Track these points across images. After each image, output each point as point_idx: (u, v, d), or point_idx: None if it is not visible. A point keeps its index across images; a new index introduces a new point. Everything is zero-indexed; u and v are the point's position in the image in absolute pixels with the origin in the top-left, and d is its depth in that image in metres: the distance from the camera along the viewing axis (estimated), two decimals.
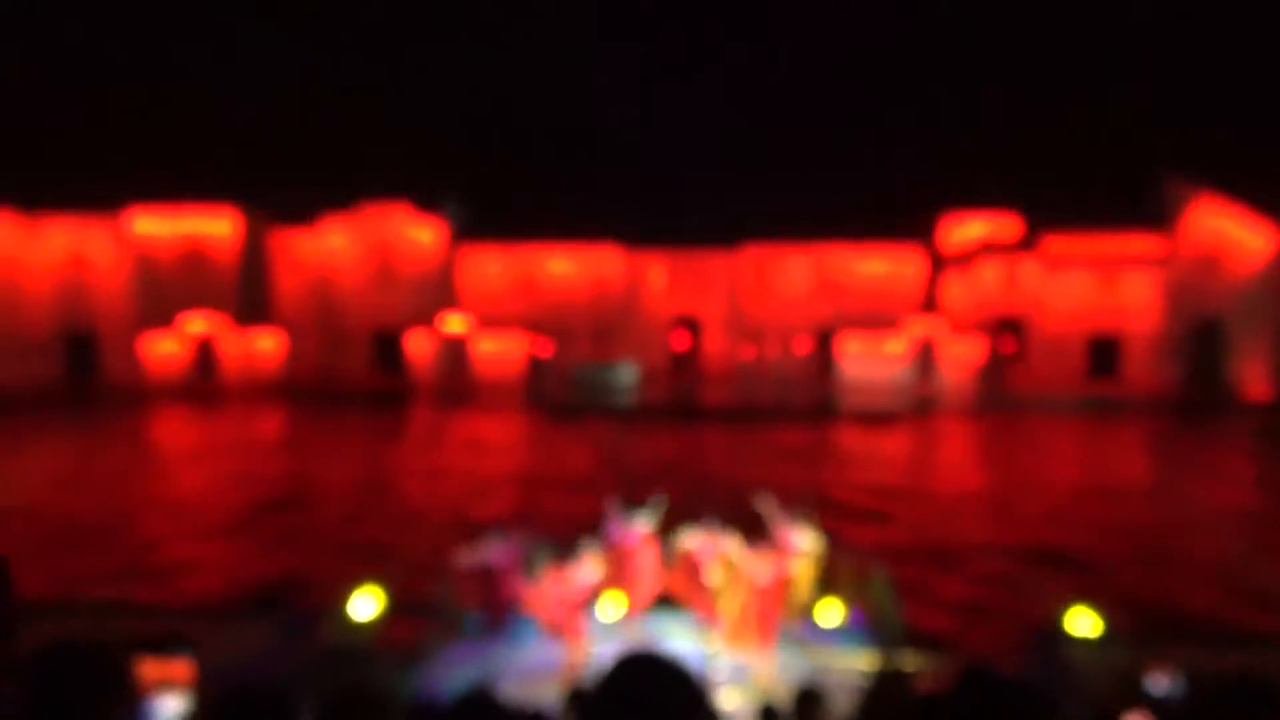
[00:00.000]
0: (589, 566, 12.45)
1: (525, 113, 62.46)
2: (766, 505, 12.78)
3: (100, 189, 44.26)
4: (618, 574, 12.83)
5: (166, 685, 4.04)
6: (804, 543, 12.05)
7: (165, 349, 43.64)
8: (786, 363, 42.01)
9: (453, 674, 11.31)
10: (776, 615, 11.60)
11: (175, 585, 17.81)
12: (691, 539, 13.25)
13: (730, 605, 11.72)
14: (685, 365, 43.00)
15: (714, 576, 12.51)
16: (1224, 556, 19.90)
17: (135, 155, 46.00)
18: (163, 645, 4.14)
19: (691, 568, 13.02)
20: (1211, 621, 16.09)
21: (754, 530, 13.07)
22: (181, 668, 4.09)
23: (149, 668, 4.09)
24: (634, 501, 17.10)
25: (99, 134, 49.08)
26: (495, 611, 12.81)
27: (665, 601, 14.03)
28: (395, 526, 21.82)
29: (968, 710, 1.68)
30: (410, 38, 68.11)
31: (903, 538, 20.99)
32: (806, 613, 12.45)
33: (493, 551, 12.87)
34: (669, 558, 13.69)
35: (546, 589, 12.00)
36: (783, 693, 10.69)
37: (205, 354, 43.94)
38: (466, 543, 13.41)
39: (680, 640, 12.91)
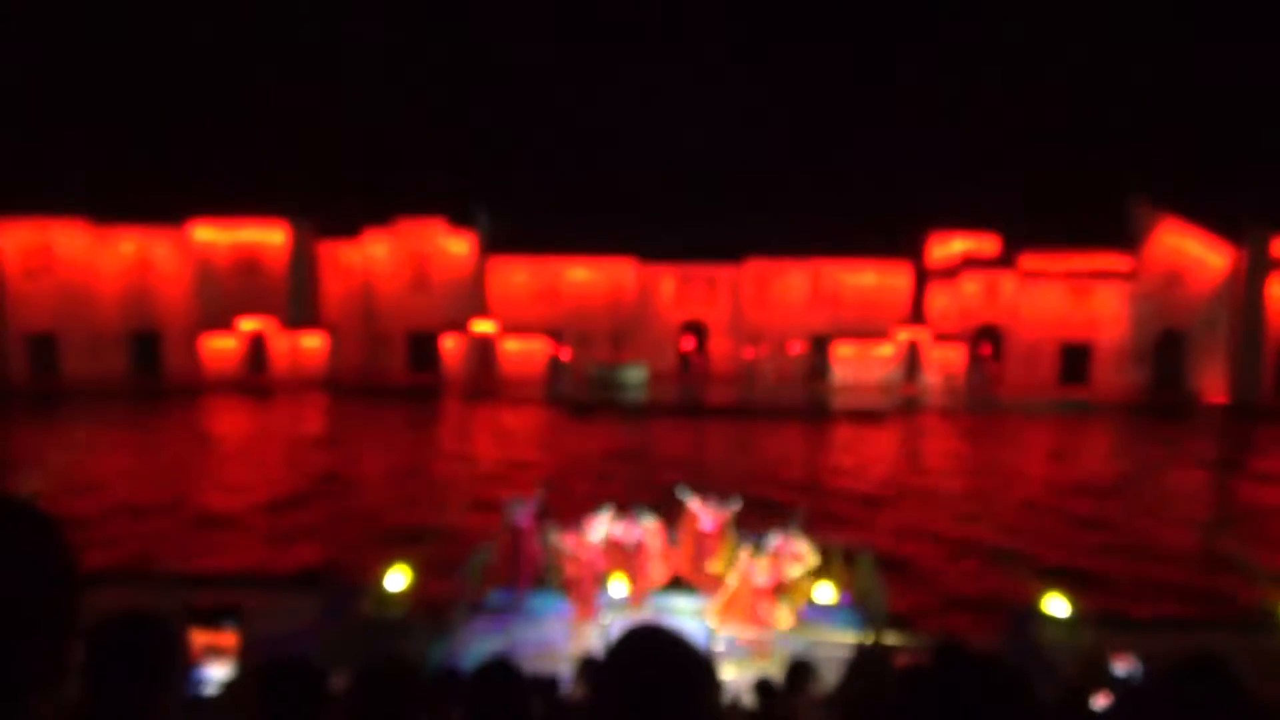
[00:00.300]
0: (599, 529, 12.60)
1: (550, 136, 62.58)
2: (686, 493, 13.19)
3: (165, 202, 44.56)
4: (628, 559, 12.96)
5: (215, 653, 4.05)
6: (800, 550, 12.22)
7: (222, 347, 43.86)
8: (785, 365, 41.90)
9: (476, 645, 11.33)
10: (771, 611, 11.64)
11: (226, 558, 17.90)
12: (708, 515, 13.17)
13: (729, 595, 11.79)
14: (692, 367, 42.94)
15: (715, 565, 12.59)
16: (1185, 539, 19.77)
17: (197, 173, 46.32)
18: (212, 616, 4.14)
19: (699, 553, 13.12)
20: (1178, 594, 15.99)
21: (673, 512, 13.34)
22: (229, 637, 4.09)
23: (199, 636, 4.09)
24: (642, 491, 17.10)
25: (164, 152, 49.41)
26: (521, 569, 12.93)
27: (676, 583, 14.07)
28: (427, 506, 21.88)
29: (944, 684, 1.66)
30: (448, 67, 68.31)
31: (889, 524, 20.93)
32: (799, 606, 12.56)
33: (517, 515, 13.02)
34: (677, 541, 13.73)
35: (571, 543, 12.17)
36: (776, 666, 10.70)
37: (258, 352, 44.14)
38: (499, 511, 13.62)
39: (685, 617, 12.93)
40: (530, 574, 13.06)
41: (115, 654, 2.02)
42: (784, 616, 12.34)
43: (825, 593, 13.35)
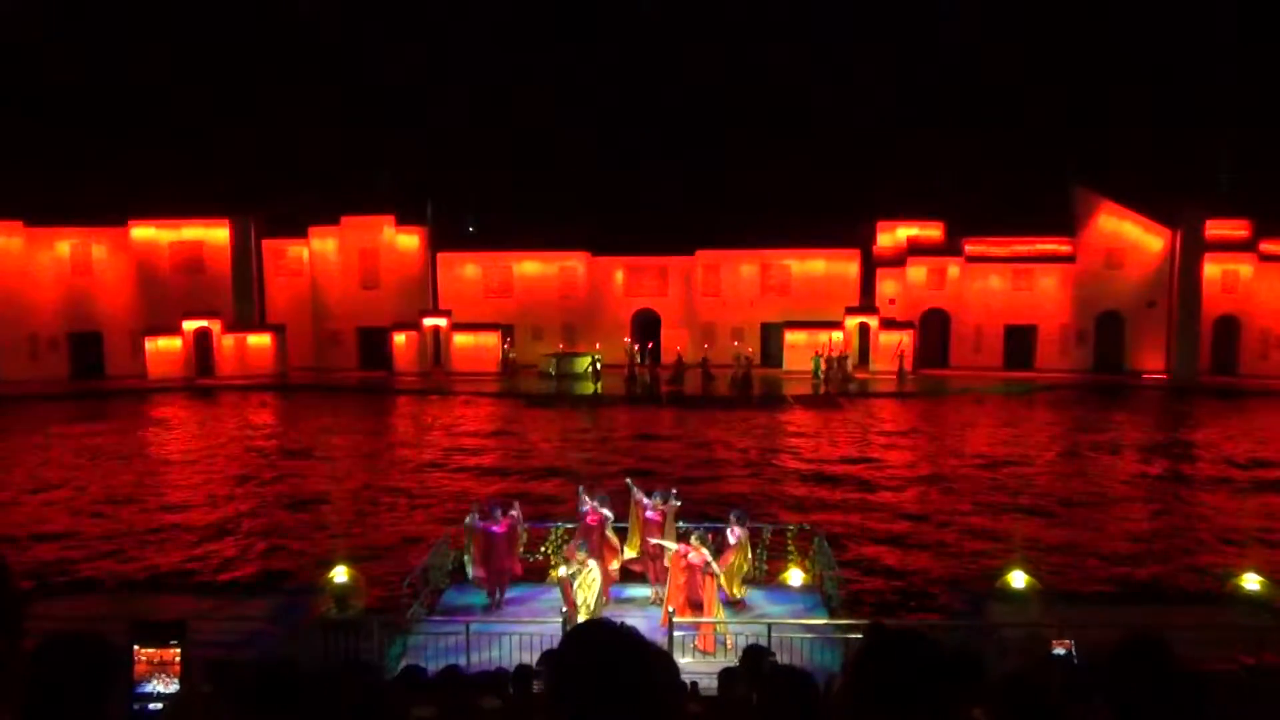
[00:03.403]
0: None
1: (499, 130, 62.13)
2: (634, 488, 14.12)
3: (103, 202, 43.48)
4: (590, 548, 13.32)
5: (159, 669, 4.01)
6: (734, 536, 13.07)
7: (166, 348, 42.90)
8: (737, 353, 42.15)
9: (435, 643, 11.28)
10: (712, 590, 12.08)
11: (178, 565, 17.56)
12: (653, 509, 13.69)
13: (673, 579, 12.25)
14: (645, 357, 43.03)
15: (666, 557, 13.05)
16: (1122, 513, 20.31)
17: (137, 171, 45.21)
18: (156, 633, 4.12)
19: (644, 536, 13.70)
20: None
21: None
22: (173, 653, 4.06)
23: (143, 654, 4.06)
24: (595, 481, 17.36)
25: (102, 151, 48.15)
26: (493, 575, 13.19)
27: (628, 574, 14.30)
28: (381, 507, 21.68)
29: (873, 661, 1.71)
30: (398, 64, 67.45)
31: (843, 506, 21.21)
32: (741, 586, 13.18)
33: (492, 523, 13.23)
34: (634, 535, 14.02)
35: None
36: (731, 654, 10.88)
37: (203, 352, 43.26)
38: (469, 511, 13.95)
39: (641, 609, 13.13)
40: (501, 572, 13.24)
41: (56, 674, 1.98)
42: (732, 597, 12.83)
43: (795, 577, 14.07)
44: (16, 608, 1.31)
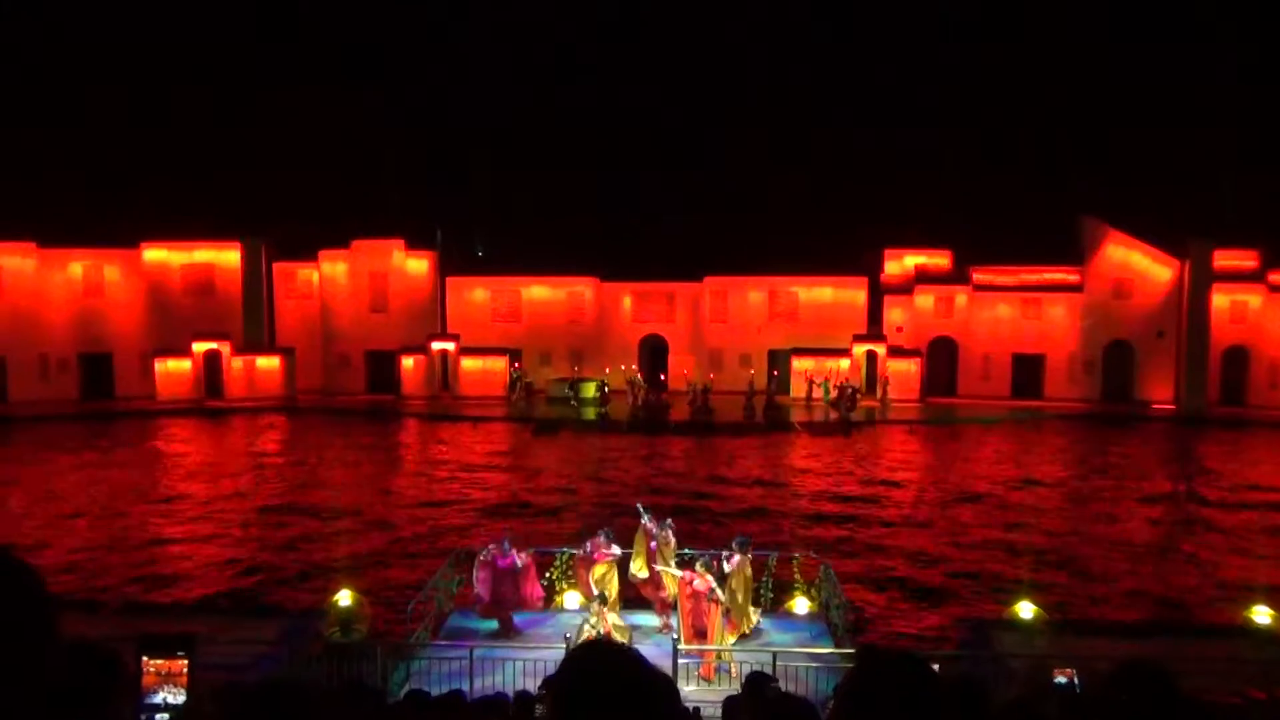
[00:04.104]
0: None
1: (509, 155, 62.53)
2: (645, 514, 14.12)
3: (116, 224, 43.89)
4: (585, 580, 13.52)
5: (166, 681, 4.02)
6: (730, 564, 12.96)
7: (175, 369, 43.05)
8: (744, 380, 42.12)
9: (439, 668, 11.24)
10: (715, 617, 12.10)
11: (184, 587, 17.56)
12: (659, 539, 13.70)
13: (681, 607, 12.29)
14: (652, 383, 43.01)
15: (670, 586, 13.09)
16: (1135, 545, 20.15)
17: (150, 194, 45.65)
18: (164, 644, 4.12)
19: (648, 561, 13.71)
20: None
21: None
22: (180, 664, 4.06)
23: (151, 665, 4.07)
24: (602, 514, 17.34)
25: (116, 174, 48.64)
26: (500, 606, 13.21)
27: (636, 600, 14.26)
28: (388, 532, 21.66)
29: (867, 684, 1.72)
30: (409, 86, 68.13)
31: (850, 536, 21.10)
32: (746, 613, 13.15)
33: (499, 556, 13.25)
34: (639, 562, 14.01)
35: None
36: (734, 682, 10.82)
37: (212, 374, 43.37)
38: (480, 544, 14.02)
39: (648, 636, 13.08)
40: (505, 603, 13.29)
41: (64, 685, 1.99)
42: (744, 625, 12.75)
43: (801, 605, 14.05)
44: (50, 615, 1.34)
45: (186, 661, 4.00)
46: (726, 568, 12.90)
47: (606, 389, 41.90)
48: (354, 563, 18.03)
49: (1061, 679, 7.05)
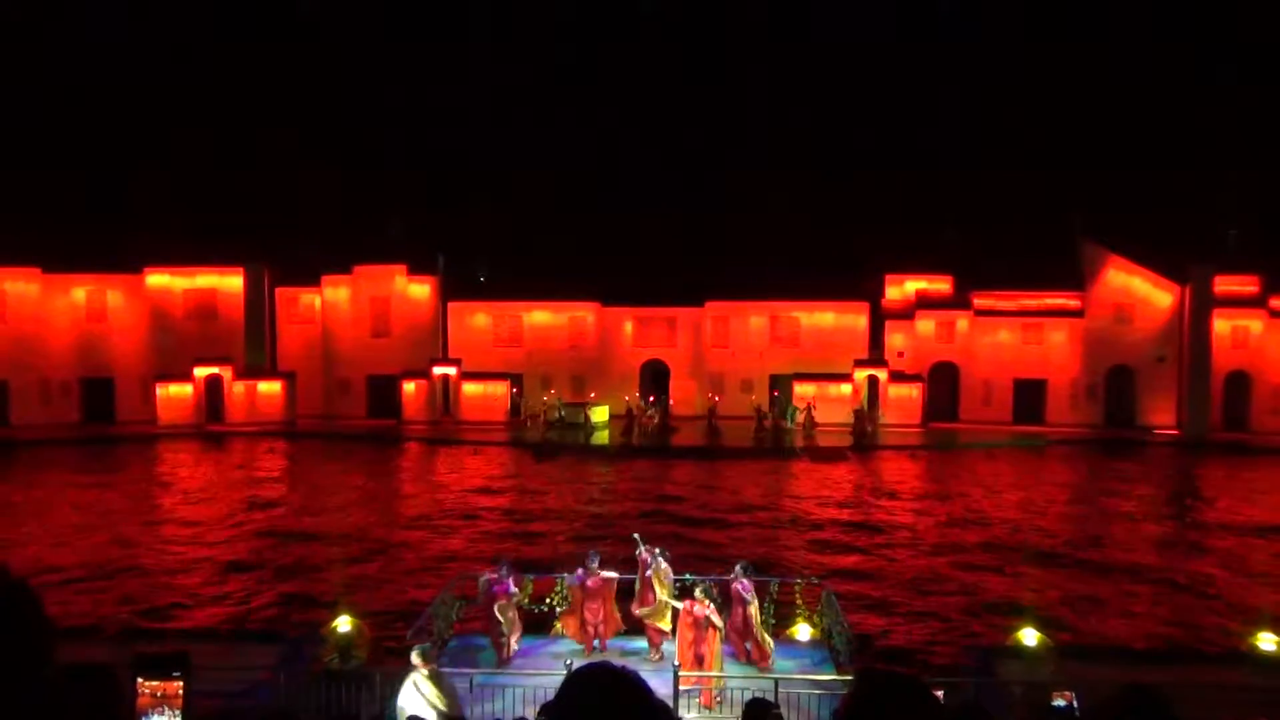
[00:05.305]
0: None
1: (510, 181, 62.79)
2: (642, 543, 13.96)
3: (119, 250, 44.11)
4: (581, 607, 13.48)
5: (161, 703, 4.00)
6: (746, 595, 12.82)
7: (177, 394, 43.08)
8: (745, 404, 42.14)
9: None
10: (714, 644, 12.05)
11: (181, 612, 17.48)
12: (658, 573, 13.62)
13: (680, 637, 12.19)
14: (655, 408, 43.08)
15: (665, 619, 13.04)
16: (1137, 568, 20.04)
17: (152, 219, 45.84)
18: (159, 665, 4.10)
19: (643, 590, 13.62)
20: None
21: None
22: (175, 685, 4.05)
23: (146, 685, 4.05)
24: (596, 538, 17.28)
25: (118, 199, 48.87)
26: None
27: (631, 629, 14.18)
28: (388, 558, 21.58)
29: (868, 708, 1.71)
30: (411, 112, 68.60)
31: (854, 562, 21.01)
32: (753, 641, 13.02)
33: (495, 582, 13.19)
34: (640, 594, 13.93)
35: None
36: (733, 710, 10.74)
37: (214, 398, 43.39)
38: (475, 572, 13.96)
39: (645, 664, 12.98)
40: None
41: (60, 705, 1.99)
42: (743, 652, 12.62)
43: (803, 632, 13.96)
44: (47, 633, 1.34)
45: (182, 683, 3.97)
46: (746, 596, 12.67)
47: (608, 414, 41.89)
48: (353, 588, 17.95)
49: (1060, 702, 7.02)
